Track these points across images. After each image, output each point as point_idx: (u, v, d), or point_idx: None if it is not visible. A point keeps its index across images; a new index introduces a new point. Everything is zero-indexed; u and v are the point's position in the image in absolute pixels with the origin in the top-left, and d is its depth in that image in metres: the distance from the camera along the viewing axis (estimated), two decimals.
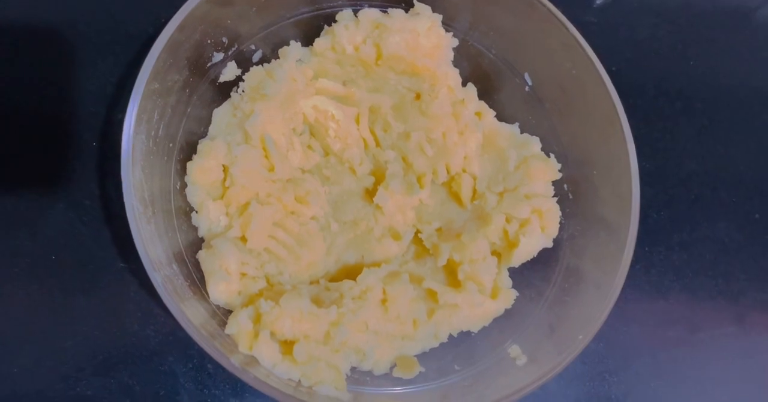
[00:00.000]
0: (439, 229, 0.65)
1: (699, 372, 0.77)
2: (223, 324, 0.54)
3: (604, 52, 0.61)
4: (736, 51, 0.90)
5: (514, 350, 0.60)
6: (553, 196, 0.63)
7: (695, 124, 0.85)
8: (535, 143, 0.64)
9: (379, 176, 0.66)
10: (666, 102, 0.85)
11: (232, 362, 0.47)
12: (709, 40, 0.89)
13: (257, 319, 0.52)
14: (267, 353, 0.51)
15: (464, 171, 0.65)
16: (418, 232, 0.65)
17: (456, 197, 0.66)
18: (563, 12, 0.61)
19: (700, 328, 0.78)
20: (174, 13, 0.71)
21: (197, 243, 0.59)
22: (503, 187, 0.63)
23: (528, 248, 0.59)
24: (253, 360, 0.51)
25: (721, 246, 0.81)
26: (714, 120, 0.86)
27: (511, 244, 0.60)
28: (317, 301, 0.56)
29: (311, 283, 0.61)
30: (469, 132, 0.64)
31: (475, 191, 0.65)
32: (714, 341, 0.78)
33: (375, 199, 0.62)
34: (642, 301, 0.78)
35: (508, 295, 0.60)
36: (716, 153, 0.84)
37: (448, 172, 0.65)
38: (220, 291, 0.54)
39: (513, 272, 0.64)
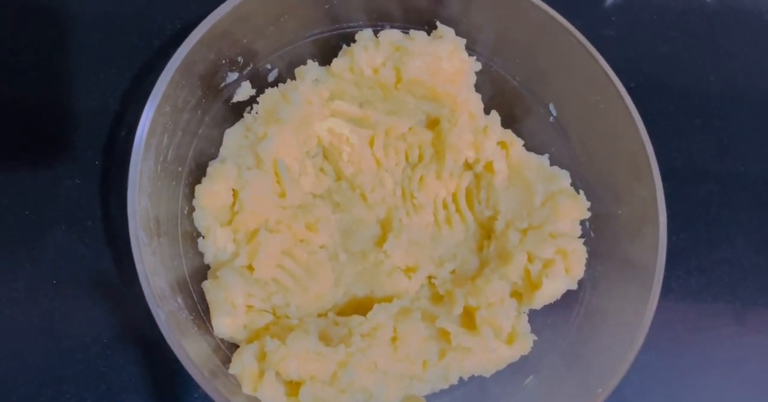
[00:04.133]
0: (453, 272, 0.63)
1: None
2: (227, 358, 0.52)
3: (622, 66, 0.59)
4: (758, 66, 0.87)
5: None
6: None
7: (714, 143, 0.82)
8: (564, 178, 0.61)
9: (390, 206, 0.64)
10: (685, 118, 0.82)
11: None
12: (729, 54, 0.86)
13: (262, 358, 0.50)
14: (271, 395, 0.49)
15: (486, 206, 0.62)
16: (431, 277, 0.63)
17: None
18: (582, 24, 0.59)
19: (718, 358, 0.76)
20: (181, 24, 0.70)
21: (203, 270, 0.57)
22: (528, 223, 0.60)
23: (551, 290, 0.57)
24: (257, 401, 0.49)
25: (740, 269, 0.79)
26: (734, 137, 0.83)
27: (533, 285, 0.57)
28: (325, 338, 0.54)
29: (319, 315, 0.59)
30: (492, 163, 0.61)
31: (493, 229, 0.63)
32: (732, 370, 0.76)
33: (385, 246, 0.60)
34: (656, 326, 0.76)
35: (526, 341, 0.57)
36: (735, 172, 0.82)
37: (470, 207, 0.63)
38: (224, 325, 0.52)
39: (529, 312, 0.61)
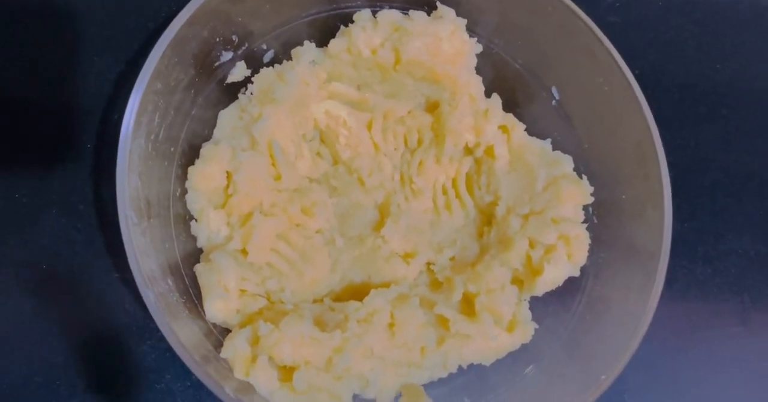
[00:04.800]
0: (452, 258, 0.62)
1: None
2: (219, 344, 0.51)
3: (627, 54, 0.58)
4: (764, 54, 0.85)
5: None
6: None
7: (720, 131, 0.81)
8: (567, 162, 0.60)
9: (389, 191, 0.62)
10: (690, 107, 0.81)
11: (227, 391, 0.43)
12: (735, 42, 0.85)
13: (255, 342, 0.49)
14: (264, 380, 0.47)
15: (487, 191, 0.61)
16: (430, 263, 0.61)
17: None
18: (586, 10, 0.57)
19: (722, 349, 0.75)
20: (177, 7, 0.68)
21: (195, 254, 0.55)
22: (529, 208, 0.59)
23: (553, 277, 0.55)
24: (249, 386, 0.48)
25: (746, 260, 0.77)
26: (740, 127, 0.82)
27: (535, 272, 0.56)
28: (320, 323, 0.52)
29: (314, 301, 0.58)
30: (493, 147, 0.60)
31: (493, 215, 0.61)
32: (736, 362, 0.75)
33: (383, 231, 0.59)
34: (662, 317, 0.74)
35: (527, 329, 0.56)
36: (742, 161, 0.80)
37: (470, 193, 0.61)
38: (217, 309, 0.51)
39: (530, 299, 0.60)
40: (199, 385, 0.59)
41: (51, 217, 0.61)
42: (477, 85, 0.61)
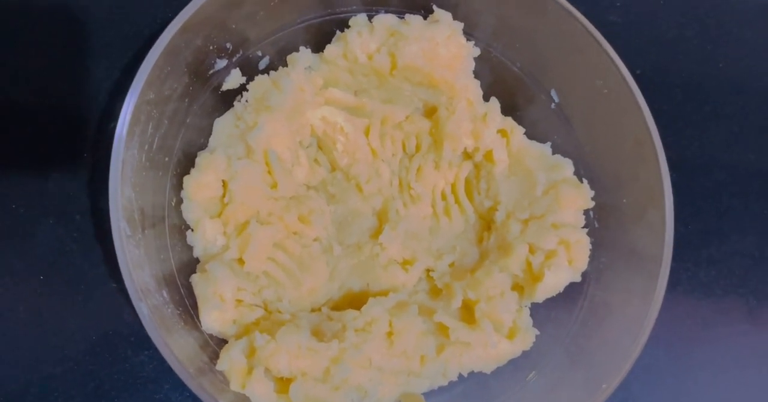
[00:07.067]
0: (452, 265, 0.61)
1: None
2: (216, 355, 0.50)
3: (628, 54, 0.57)
4: None
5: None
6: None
7: (725, 131, 0.80)
8: (567, 166, 0.59)
9: (387, 197, 0.62)
10: (694, 107, 0.80)
11: None
12: (739, 40, 0.84)
13: (251, 354, 0.48)
14: (260, 392, 0.47)
15: (486, 196, 0.60)
16: (429, 270, 0.61)
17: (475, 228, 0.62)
18: (586, 10, 0.56)
19: (728, 353, 0.73)
20: (173, 13, 0.67)
21: (192, 264, 0.55)
22: (529, 213, 0.58)
23: (553, 282, 0.55)
24: (246, 398, 0.47)
25: (751, 260, 0.76)
26: (745, 126, 0.80)
27: (535, 278, 0.55)
28: (318, 333, 0.52)
29: (312, 310, 0.57)
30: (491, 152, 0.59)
31: (493, 220, 0.60)
32: (743, 366, 0.74)
33: (380, 237, 0.58)
34: (665, 321, 0.73)
35: (528, 336, 0.55)
36: (746, 161, 0.79)
37: (469, 198, 0.60)
38: (213, 319, 0.50)
39: (531, 306, 0.59)
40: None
41: (48, 227, 0.60)
42: (475, 89, 0.60)
